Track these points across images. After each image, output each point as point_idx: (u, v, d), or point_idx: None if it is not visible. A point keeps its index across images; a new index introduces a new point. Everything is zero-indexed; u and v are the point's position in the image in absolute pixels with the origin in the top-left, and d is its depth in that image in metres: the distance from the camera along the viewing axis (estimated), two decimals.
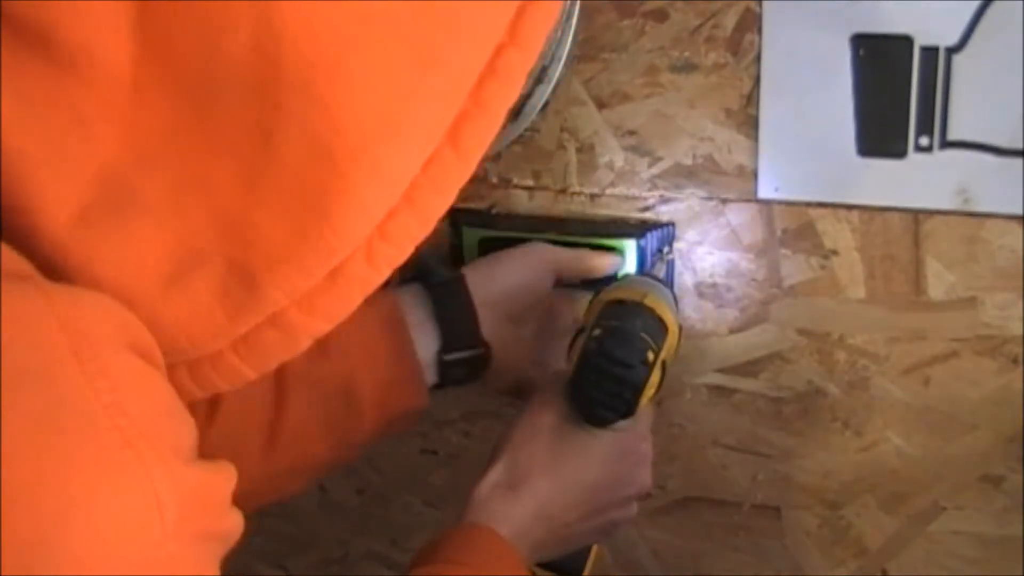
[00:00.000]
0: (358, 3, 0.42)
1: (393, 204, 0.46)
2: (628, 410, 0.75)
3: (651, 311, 0.77)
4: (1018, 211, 0.84)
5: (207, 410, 0.75)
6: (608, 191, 0.93)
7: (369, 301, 0.81)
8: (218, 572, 0.46)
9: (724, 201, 0.91)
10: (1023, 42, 0.81)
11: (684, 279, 0.93)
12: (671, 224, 0.92)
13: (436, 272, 0.84)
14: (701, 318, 0.94)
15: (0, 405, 0.39)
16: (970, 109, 0.83)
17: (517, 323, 0.86)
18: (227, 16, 0.42)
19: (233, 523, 0.47)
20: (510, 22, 0.46)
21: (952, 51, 0.82)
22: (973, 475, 0.91)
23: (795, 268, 0.90)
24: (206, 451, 0.74)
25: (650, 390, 0.75)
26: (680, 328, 0.80)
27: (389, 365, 0.80)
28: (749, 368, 0.94)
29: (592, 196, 0.94)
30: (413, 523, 1.08)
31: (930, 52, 0.83)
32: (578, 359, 0.75)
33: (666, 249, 0.92)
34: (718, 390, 0.95)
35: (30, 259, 0.44)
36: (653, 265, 0.88)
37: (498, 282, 0.85)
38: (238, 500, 0.80)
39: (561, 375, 0.77)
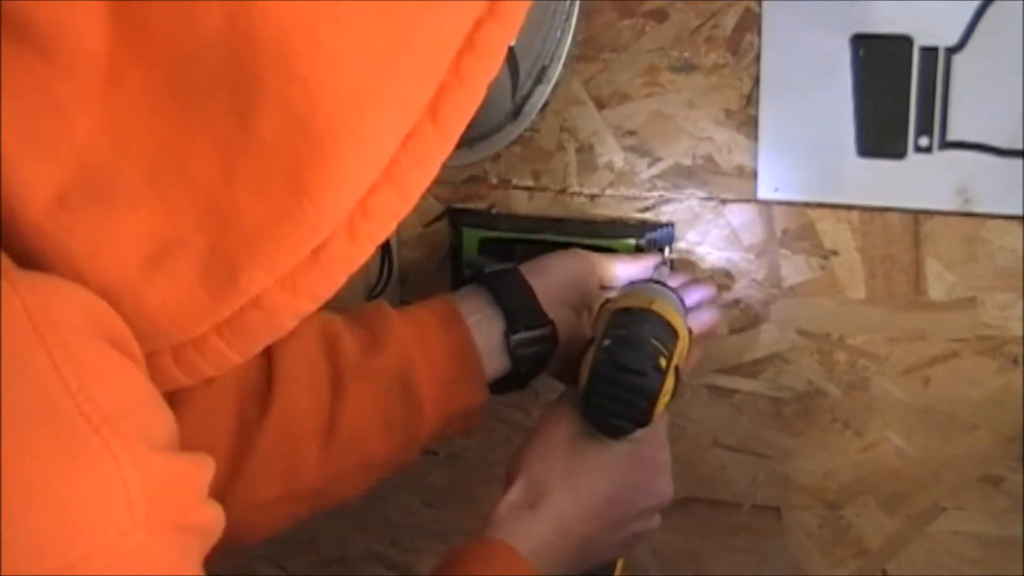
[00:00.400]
0: None
1: (374, 180, 0.46)
2: (643, 419, 0.73)
3: (659, 316, 0.75)
4: (1018, 211, 0.84)
5: (260, 403, 0.74)
6: (608, 191, 0.93)
7: (426, 304, 0.80)
8: (199, 569, 0.46)
9: (724, 201, 0.91)
10: (1023, 42, 0.81)
11: None
12: (671, 224, 0.92)
13: (489, 266, 0.84)
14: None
15: None
16: (970, 109, 0.83)
17: (576, 310, 0.84)
18: None
19: (210, 516, 0.46)
20: None
21: (952, 51, 0.82)
22: (973, 475, 0.91)
23: (795, 268, 0.90)
24: (263, 447, 0.74)
25: (665, 396, 0.74)
26: (690, 332, 0.79)
27: (447, 357, 0.79)
28: (749, 368, 0.94)
29: (592, 196, 0.94)
30: (412, 523, 1.08)
31: (930, 52, 0.82)
32: (590, 370, 0.73)
33: (667, 251, 0.91)
34: (718, 390, 0.95)
35: (6, 246, 0.44)
36: (658, 270, 0.87)
37: (551, 274, 0.83)
38: (300, 504, 0.78)
39: (574, 387, 0.76)
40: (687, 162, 0.91)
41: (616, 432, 0.74)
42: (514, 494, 0.73)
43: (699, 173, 0.91)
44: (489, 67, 0.47)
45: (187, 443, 0.46)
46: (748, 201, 0.90)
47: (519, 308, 0.81)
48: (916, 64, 0.83)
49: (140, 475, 0.41)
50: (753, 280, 0.92)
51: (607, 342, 0.73)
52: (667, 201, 0.92)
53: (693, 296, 0.85)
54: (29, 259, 0.44)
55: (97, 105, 0.43)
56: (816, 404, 0.93)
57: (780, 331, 0.92)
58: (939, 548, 0.93)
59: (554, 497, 0.73)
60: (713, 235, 0.92)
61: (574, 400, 0.75)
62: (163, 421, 0.45)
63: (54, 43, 0.42)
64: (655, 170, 0.92)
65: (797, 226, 0.90)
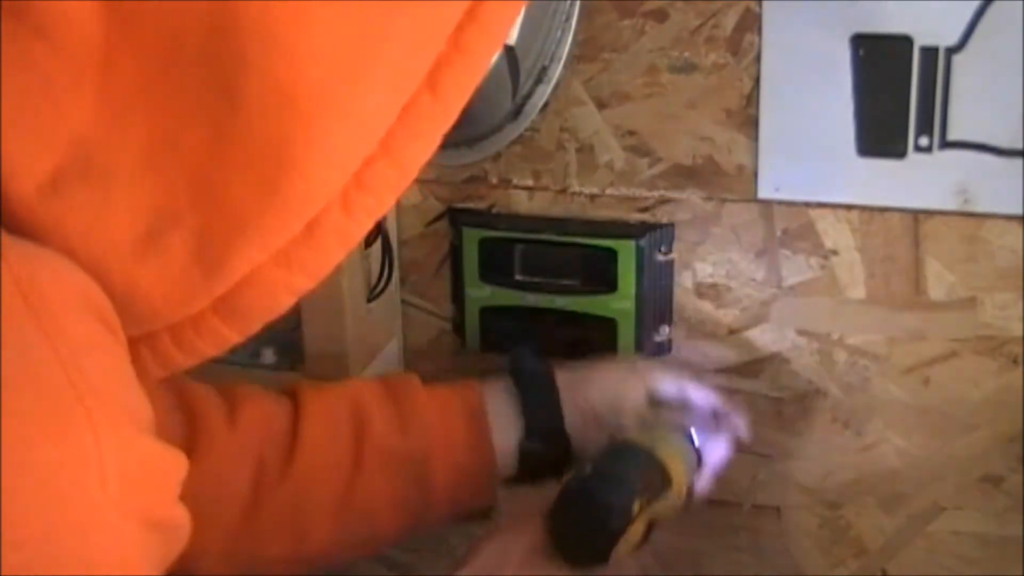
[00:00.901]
0: None
1: (369, 153, 0.45)
2: (600, 557, 0.70)
3: (657, 463, 0.73)
4: (1018, 211, 0.84)
5: (281, 462, 0.75)
6: (608, 191, 0.93)
7: (455, 389, 0.80)
8: (159, 571, 0.45)
9: (724, 201, 0.91)
10: (1023, 42, 0.81)
11: (684, 279, 0.93)
12: (671, 224, 0.92)
13: (527, 364, 0.83)
14: (701, 318, 0.94)
15: None
16: (970, 109, 0.83)
17: (605, 425, 0.82)
18: None
19: (179, 517, 0.46)
20: None
21: (952, 51, 0.82)
22: (973, 475, 0.91)
23: (795, 268, 0.90)
24: (276, 506, 0.75)
25: (627, 543, 0.70)
26: (690, 490, 0.76)
27: (466, 452, 0.79)
28: (749, 368, 0.94)
29: (592, 196, 0.94)
30: None
31: (930, 52, 0.82)
32: (560, 491, 0.71)
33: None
34: (718, 390, 0.95)
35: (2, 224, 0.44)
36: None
37: (591, 388, 0.82)
38: (302, 565, 0.78)
39: (546, 498, 0.73)
40: (687, 162, 0.91)
41: (572, 560, 0.71)
42: None
43: (699, 173, 0.91)
44: (492, 40, 0.46)
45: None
46: (748, 201, 0.90)
47: (540, 420, 0.81)
48: (916, 64, 0.83)
49: (117, 453, 0.41)
50: (753, 280, 0.92)
51: (588, 469, 0.72)
52: (667, 201, 0.92)
53: (722, 426, 0.84)
54: (23, 237, 0.44)
55: (92, 87, 0.43)
56: (816, 404, 0.93)
57: (780, 331, 0.92)
58: (939, 548, 0.93)
59: None
60: (713, 235, 0.92)
61: (541, 512, 0.72)
62: (143, 406, 0.45)
63: (52, 24, 0.42)
64: (655, 170, 0.92)
65: (797, 226, 0.89)
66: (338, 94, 0.43)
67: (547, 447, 0.80)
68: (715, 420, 0.84)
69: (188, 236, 0.45)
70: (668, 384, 0.83)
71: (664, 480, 0.73)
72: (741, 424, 0.85)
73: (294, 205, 0.45)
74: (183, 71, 0.43)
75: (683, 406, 0.83)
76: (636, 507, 0.70)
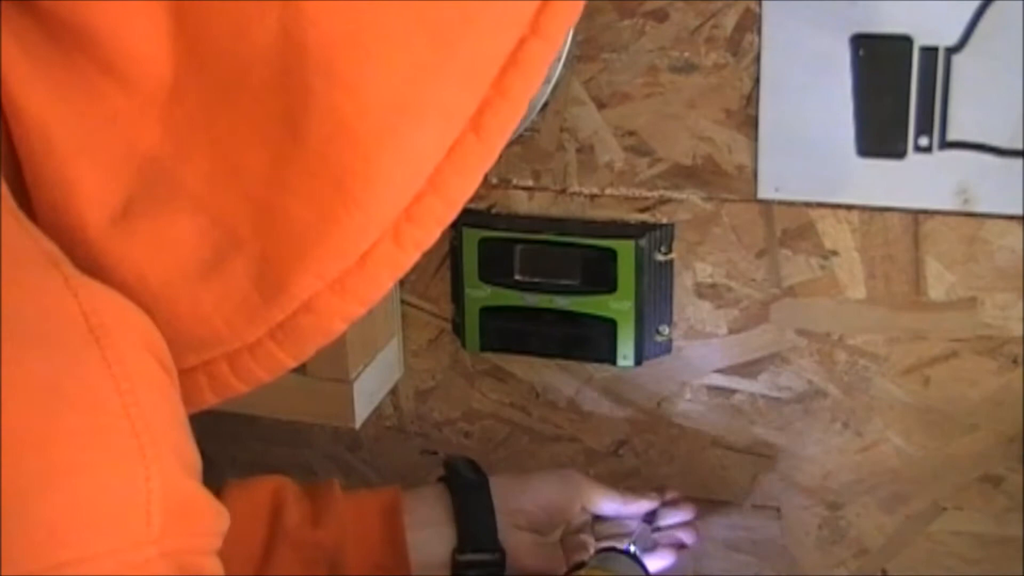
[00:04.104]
0: None
1: (419, 188, 0.47)
2: None
3: None
4: (1018, 211, 0.84)
5: None
6: (608, 191, 0.93)
7: (374, 491, 0.83)
8: None
9: (724, 201, 0.91)
10: (1023, 42, 0.81)
11: (684, 279, 0.93)
12: (671, 224, 0.92)
13: (462, 474, 0.85)
14: (701, 318, 0.94)
15: (2, 361, 0.39)
16: (970, 109, 0.83)
17: (539, 532, 0.86)
18: (257, 5, 0.44)
19: (212, 569, 0.46)
20: (533, 15, 0.47)
21: (952, 51, 0.82)
22: (973, 475, 0.91)
23: (795, 268, 0.90)
24: None
25: None
26: None
27: (379, 550, 0.81)
28: (749, 368, 0.94)
29: (592, 196, 0.94)
30: None
31: (930, 52, 0.82)
32: None
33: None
34: (718, 390, 0.95)
35: (68, 254, 0.45)
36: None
37: (526, 496, 0.85)
38: None
39: None
40: (687, 162, 0.91)
41: None
42: None
43: (699, 173, 0.90)
44: (531, 83, 0.48)
45: None
46: (748, 201, 0.90)
47: (474, 531, 0.82)
48: (916, 64, 0.83)
49: (165, 491, 0.42)
50: (753, 280, 0.92)
51: None
52: (667, 201, 0.92)
53: (670, 519, 0.89)
54: (90, 266, 0.45)
55: (159, 118, 0.45)
56: (816, 404, 0.93)
57: (780, 331, 0.92)
58: (939, 548, 0.93)
59: None
60: (713, 235, 0.92)
61: None
62: (194, 450, 0.47)
63: (120, 61, 0.44)
64: (655, 170, 0.92)
65: (797, 226, 0.89)
66: (396, 131, 0.46)
67: (480, 558, 0.82)
68: (654, 532, 0.88)
69: (250, 262, 0.47)
70: (603, 502, 0.87)
71: None
72: (684, 534, 0.89)
73: (351, 235, 0.47)
74: (248, 102, 0.45)
75: (620, 522, 0.88)
76: None
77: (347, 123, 0.45)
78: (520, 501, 0.84)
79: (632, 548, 0.83)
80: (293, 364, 0.50)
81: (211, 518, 0.46)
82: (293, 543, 0.79)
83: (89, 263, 0.45)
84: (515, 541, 0.83)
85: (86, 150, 0.45)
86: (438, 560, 0.82)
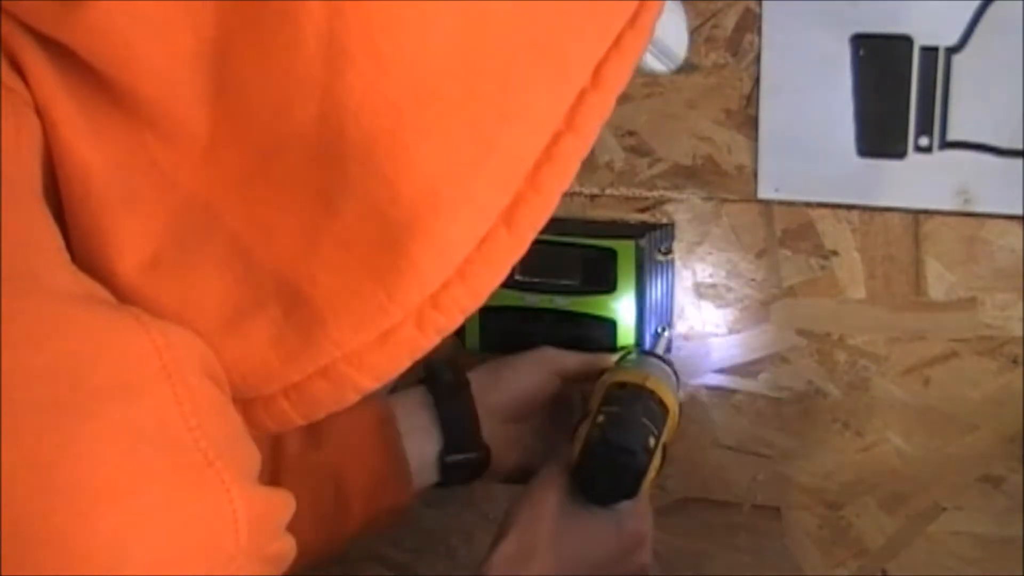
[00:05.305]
0: (419, 87, 0.44)
1: (447, 277, 0.48)
2: (630, 493, 0.77)
3: (652, 395, 0.79)
4: (1018, 211, 0.84)
5: None
6: (608, 191, 0.93)
7: (364, 401, 0.84)
8: None
9: (724, 201, 0.91)
10: (1023, 42, 0.81)
11: (684, 279, 0.93)
12: (671, 224, 0.92)
13: (442, 377, 0.86)
14: (701, 318, 0.94)
15: (86, 414, 0.40)
16: (970, 109, 0.83)
17: (518, 422, 0.88)
18: (299, 89, 0.44)
19: (288, 546, 0.48)
20: (568, 110, 0.47)
21: (952, 51, 0.82)
22: (973, 475, 0.91)
23: (795, 268, 0.90)
24: None
25: (651, 473, 0.78)
26: (680, 407, 0.82)
27: (379, 461, 0.82)
28: (749, 368, 0.94)
29: (592, 196, 0.94)
30: (413, 523, 1.08)
31: (930, 52, 0.83)
32: (582, 445, 0.77)
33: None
34: (718, 390, 0.95)
35: None
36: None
37: (503, 388, 0.87)
38: None
39: (566, 457, 0.79)
40: (687, 162, 0.90)
41: (603, 503, 0.78)
42: (508, 546, 0.77)
43: (699, 173, 0.90)
44: (564, 179, 0.49)
45: None
46: (748, 201, 0.90)
47: (458, 433, 0.84)
48: (916, 64, 0.83)
49: (247, 507, 0.44)
50: (753, 280, 0.92)
51: (600, 418, 0.77)
52: (667, 201, 0.92)
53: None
54: None
55: (195, 173, 0.46)
56: (816, 404, 0.93)
57: (780, 331, 0.92)
58: (939, 548, 0.93)
59: (540, 560, 0.76)
60: (713, 235, 0.92)
61: (564, 469, 0.79)
62: (254, 456, 0.48)
63: (159, 117, 0.45)
64: (655, 170, 0.92)
65: (797, 226, 0.89)
66: (428, 223, 0.46)
67: (466, 458, 0.84)
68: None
69: (271, 325, 0.47)
70: (576, 366, 0.88)
71: (663, 409, 0.80)
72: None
73: (375, 316, 0.47)
74: (284, 174, 0.46)
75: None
76: (652, 443, 0.77)
77: (382, 211, 0.45)
78: (496, 396, 0.86)
79: (659, 344, 0.86)
80: (302, 423, 0.50)
81: (284, 511, 0.48)
82: (297, 470, 0.80)
83: None
84: (497, 435, 0.86)
85: (122, 199, 0.46)
86: (428, 461, 0.84)
